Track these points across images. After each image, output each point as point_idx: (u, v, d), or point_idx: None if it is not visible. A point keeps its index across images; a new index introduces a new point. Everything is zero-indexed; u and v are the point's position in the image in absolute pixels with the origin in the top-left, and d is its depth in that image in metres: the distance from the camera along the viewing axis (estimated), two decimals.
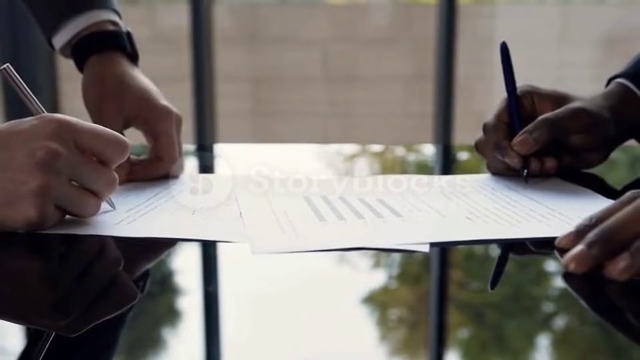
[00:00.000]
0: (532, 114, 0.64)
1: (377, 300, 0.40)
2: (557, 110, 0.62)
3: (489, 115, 0.65)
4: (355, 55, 3.13)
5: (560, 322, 0.37)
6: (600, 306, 0.38)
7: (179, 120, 0.63)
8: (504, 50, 0.65)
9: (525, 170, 0.61)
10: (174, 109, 0.63)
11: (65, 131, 0.46)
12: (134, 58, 0.66)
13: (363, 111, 3.15)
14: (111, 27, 0.65)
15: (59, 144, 0.45)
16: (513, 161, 0.61)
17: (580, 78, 3.01)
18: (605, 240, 0.38)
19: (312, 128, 3.16)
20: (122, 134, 0.62)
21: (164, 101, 0.62)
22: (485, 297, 0.42)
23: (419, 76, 3.06)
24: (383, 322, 0.37)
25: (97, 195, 0.48)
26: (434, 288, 0.44)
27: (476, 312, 0.39)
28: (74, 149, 0.46)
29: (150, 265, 0.46)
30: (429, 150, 1.10)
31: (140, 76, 0.64)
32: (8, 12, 2.46)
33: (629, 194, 0.42)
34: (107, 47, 0.64)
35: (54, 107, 2.59)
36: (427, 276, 0.45)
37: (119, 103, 0.61)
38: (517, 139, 0.61)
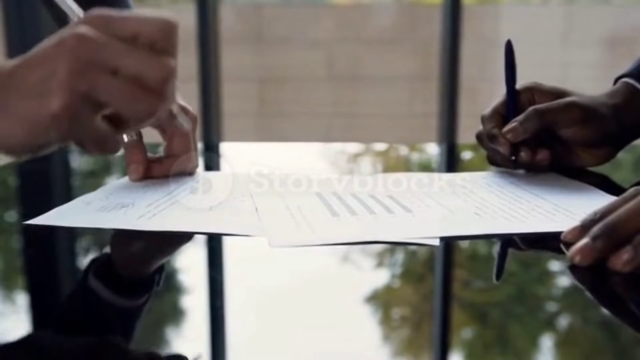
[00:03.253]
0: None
1: (380, 299, 0.41)
2: (549, 103, 0.64)
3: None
4: (359, 55, 3.14)
5: (564, 321, 0.38)
6: (604, 297, 0.39)
7: (194, 119, 0.65)
8: (509, 48, 0.67)
9: (513, 157, 0.63)
10: (190, 108, 0.64)
11: (101, 21, 0.38)
12: None
13: (367, 111, 3.16)
14: None
15: (94, 32, 0.37)
16: (503, 148, 0.63)
17: (584, 78, 3.02)
18: (609, 234, 0.40)
19: (317, 128, 3.18)
20: (139, 131, 0.64)
21: (180, 100, 0.64)
22: (490, 296, 0.42)
23: (424, 76, 3.08)
24: (387, 321, 0.38)
25: (154, 90, 0.38)
26: (437, 287, 0.45)
27: (480, 311, 0.40)
28: (114, 37, 0.38)
29: (169, 258, 0.47)
30: (433, 149, 1.12)
31: None
32: (17, 8, 2.47)
33: (632, 190, 0.43)
34: None
35: None
36: (431, 275, 0.46)
37: None
38: (507, 127, 0.63)
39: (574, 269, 0.41)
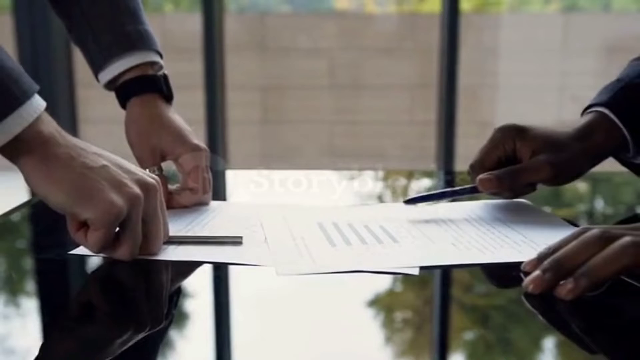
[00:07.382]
0: (513, 155, 0.70)
1: (382, 303, 0.45)
2: (523, 164, 0.69)
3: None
4: (361, 63, 3.21)
5: (563, 325, 0.43)
6: (552, 319, 0.47)
7: (207, 155, 0.74)
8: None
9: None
10: (204, 145, 0.73)
11: (154, 191, 0.55)
12: (169, 98, 0.77)
13: (369, 118, 3.23)
14: (151, 72, 0.75)
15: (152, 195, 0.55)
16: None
17: (583, 86, 3.06)
18: (556, 268, 0.48)
19: (319, 135, 3.25)
20: (160, 166, 0.73)
21: (195, 139, 0.73)
22: (490, 300, 0.47)
23: (424, 84, 3.14)
24: (388, 325, 0.40)
25: (142, 247, 0.55)
26: (438, 291, 0.49)
27: (480, 315, 0.44)
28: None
29: (184, 283, 0.53)
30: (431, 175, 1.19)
31: (175, 116, 0.75)
32: (28, 19, 2.53)
33: (579, 228, 0.51)
34: (147, 90, 0.74)
35: (71, 113, 2.69)
36: (432, 279, 0.51)
37: (156, 141, 0.72)
38: (483, 176, 0.68)
39: (528, 295, 0.49)
